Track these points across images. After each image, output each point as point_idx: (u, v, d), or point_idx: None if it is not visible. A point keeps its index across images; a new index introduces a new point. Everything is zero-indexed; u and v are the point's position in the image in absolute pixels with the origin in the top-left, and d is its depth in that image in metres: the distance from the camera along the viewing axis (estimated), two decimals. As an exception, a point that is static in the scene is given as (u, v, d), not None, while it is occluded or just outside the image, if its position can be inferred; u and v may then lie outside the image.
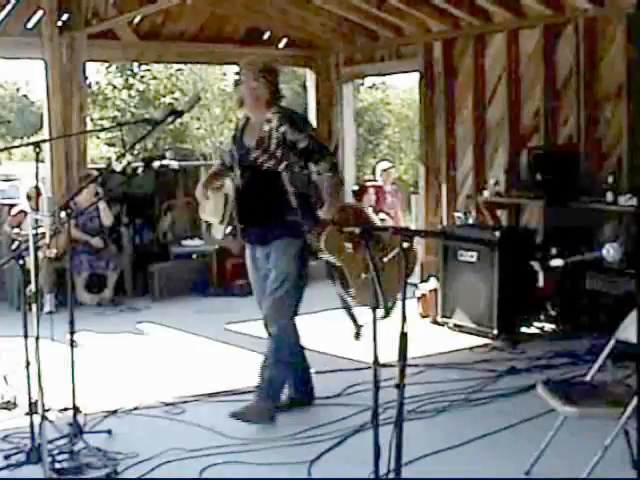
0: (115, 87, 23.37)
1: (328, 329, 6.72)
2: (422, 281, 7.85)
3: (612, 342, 3.85)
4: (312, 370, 5.04)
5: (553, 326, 6.81)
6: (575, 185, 6.96)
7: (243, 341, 6.53)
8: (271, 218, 4.66)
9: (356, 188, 10.09)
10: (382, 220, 9.95)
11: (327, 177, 4.61)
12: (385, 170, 10.64)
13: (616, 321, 3.90)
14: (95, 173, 8.30)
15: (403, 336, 2.88)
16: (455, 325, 6.85)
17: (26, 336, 3.89)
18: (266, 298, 4.70)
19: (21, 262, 3.90)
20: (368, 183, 10.60)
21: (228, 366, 5.91)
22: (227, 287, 8.66)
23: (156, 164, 4.55)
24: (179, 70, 22.85)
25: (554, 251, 6.45)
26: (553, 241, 6.86)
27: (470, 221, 7.65)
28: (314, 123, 10.25)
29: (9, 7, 8.19)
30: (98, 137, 23.35)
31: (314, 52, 10.15)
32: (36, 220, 5.07)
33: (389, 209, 10.37)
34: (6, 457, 4.10)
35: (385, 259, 4.64)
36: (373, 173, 11.70)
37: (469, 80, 8.29)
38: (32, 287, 3.97)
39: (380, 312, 4.58)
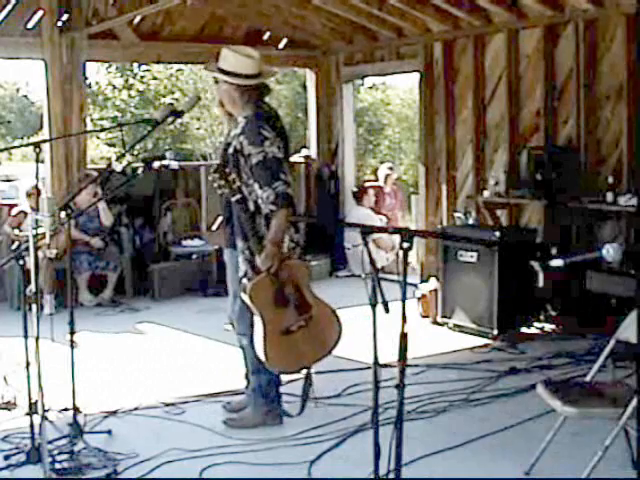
0: (115, 87, 23.39)
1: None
2: (422, 281, 7.85)
3: (612, 342, 3.85)
4: (311, 370, 5.02)
5: (553, 326, 6.81)
6: (575, 185, 6.96)
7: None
8: (234, 225, 4.41)
9: (355, 189, 10.12)
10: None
11: (272, 212, 4.12)
12: (390, 173, 10.65)
13: (616, 321, 3.90)
14: (95, 173, 8.30)
15: (403, 336, 2.88)
16: (455, 325, 6.85)
17: (26, 336, 3.90)
18: (235, 304, 4.58)
19: (21, 262, 3.91)
20: (368, 184, 10.59)
21: (228, 366, 5.90)
22: (227, 287, 8.63)
23: (156, 164, 4.54)
24: (179, 70, 22.86)
25: (554, 251, 6.47)
26: (553, 241, 6.87)
27: (470, 221, 7.64)
28: (313, 126, 10.29)
29: (9, 7, 8.18)
30: (98, 137, 23.36)
31: (314, 52, 10.14)
32: (36, 220, 5.07)
33: (388, 211, 10.38)
34: (6, 457, 4.10)
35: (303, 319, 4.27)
36: (374, 174, 11.69)
37: (469, 80, 8.28)
38: (32, 287, 3.97)
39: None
